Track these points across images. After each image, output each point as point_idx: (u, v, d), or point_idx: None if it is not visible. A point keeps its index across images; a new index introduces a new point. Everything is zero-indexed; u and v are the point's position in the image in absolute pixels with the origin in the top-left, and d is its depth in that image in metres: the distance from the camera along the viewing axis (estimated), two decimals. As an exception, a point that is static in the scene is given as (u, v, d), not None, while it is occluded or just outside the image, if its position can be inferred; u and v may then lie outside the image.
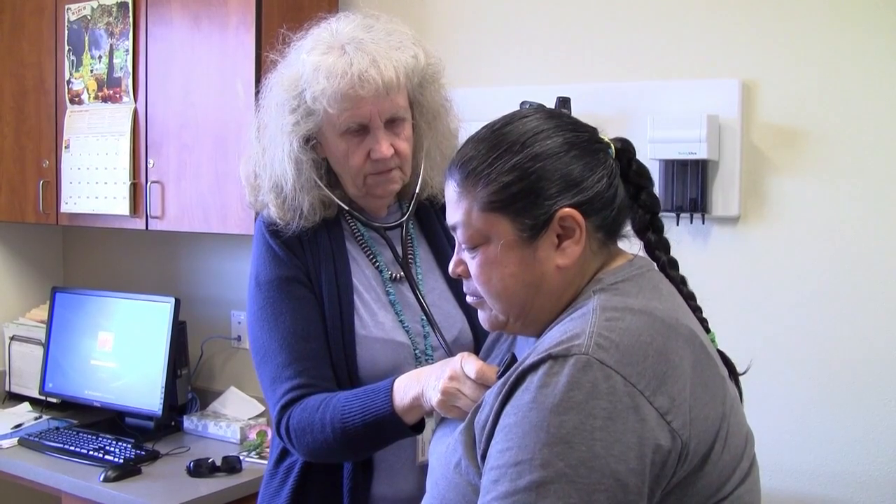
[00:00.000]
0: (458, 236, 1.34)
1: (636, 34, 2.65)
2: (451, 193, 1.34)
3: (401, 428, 1.63)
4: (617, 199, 1.34)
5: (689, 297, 1.39)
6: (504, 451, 1.17)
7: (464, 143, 1.36)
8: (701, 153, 2.44)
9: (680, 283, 1.40)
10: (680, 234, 2.47)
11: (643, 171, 1.40)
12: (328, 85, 1.70)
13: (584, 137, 1.33)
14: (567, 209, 1.28)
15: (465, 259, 1.35)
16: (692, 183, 2.49)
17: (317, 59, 1.73)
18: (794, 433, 2.42)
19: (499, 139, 1.31)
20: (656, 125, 2.48)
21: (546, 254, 1.29)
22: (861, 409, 2.38)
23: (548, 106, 1.46)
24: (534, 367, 1.19)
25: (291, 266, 1.80)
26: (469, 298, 1.40)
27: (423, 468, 1.60)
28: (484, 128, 1.35)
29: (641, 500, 1.14)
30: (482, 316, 1.39)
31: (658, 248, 1.41)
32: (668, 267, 1.40)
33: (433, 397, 1.53)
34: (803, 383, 2.43)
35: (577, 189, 1.29)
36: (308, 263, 1.81)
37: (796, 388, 2.44)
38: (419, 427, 1.66)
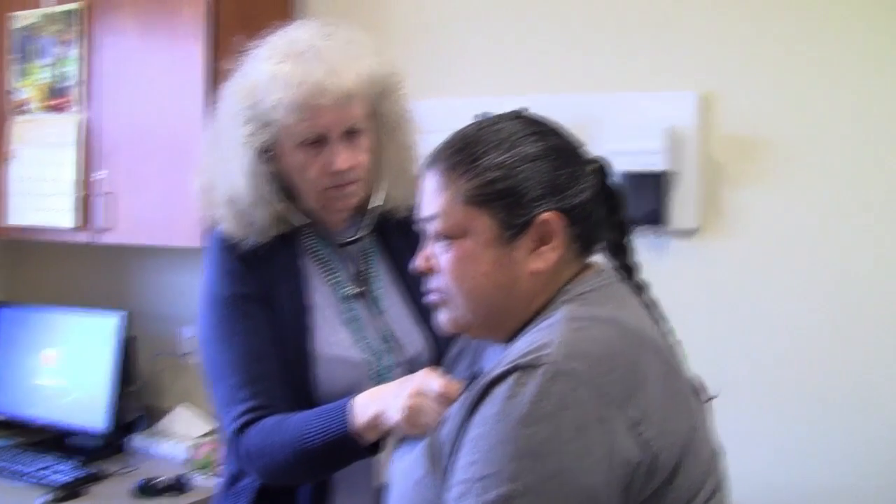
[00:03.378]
0: (434, 227, 1.31)
1: (593, 45, 2.64)
2: (432, 183, 1.31)
3: (360, 448, 1.58)
4: (596, 213, 1.32)
5: (658, 317, 1.37)
6: (470, 464, 1.14)
7: (451, 135, 1.33)
8: (659, 165, 2.43)
9: (650, 306, 1.37)
10: (638, 247, 2.45)
11: (618, 193, 1.38)
12: (285, 94, 1.65)
13: (571, 147, 1.32)
14: (549, 214, 1.26)
15: (437, 253, 1.32)
16: (650, 195, 2.47)
17: (273, 67, 1.68)
18: (758, 446, 2.40)
19: (489, 135, 1.29)
20: (614, 137, 2.47)
21: (522, 257, 1.27)
22: (827, 421, 2.37)
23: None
24: (500, 378, 1.16)
25: (246, 283, 1.75)
26: (432, 296, 1.35)
27: (381, 490, 1.56)
28: (473, 123, 1.33)
29: None
30: (443, 317, 1.35)
31: (628, 271, 1.40)
32: (639, 291, 1.38)
33: (396, 414, 1.48)
34: (765, 399, 2.42)
35: (560, 195, 1.27)
36: (263, 281, 1.75)
37: (758, 404, 2.42)
38: (375, 448, 1.61)
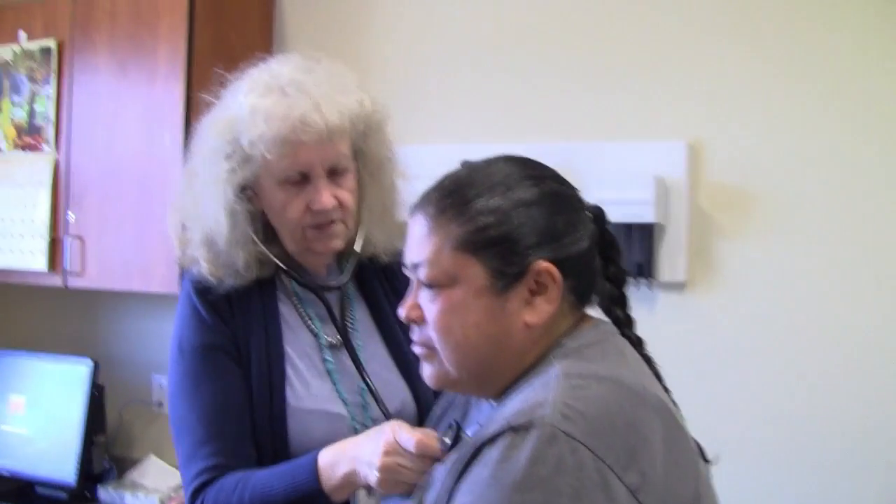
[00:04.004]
0: (421, 275, 1.22)
1: (581, 94, 2.59)
2: (420, 228, 1.22)
3: None
4: (593, 263, 1.25)
5: (655, 373, 1.29)
6: None
7: (441, 178, 1.25)
8: (648, 216, 2.36)
9: (649, 361, 1.29)
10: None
11: (614, 243, 1.30)
12: (267, 129, 1.57)
13: (568, 192, 1.24)
14: (545, 263, 1.17)
15: (423, 303, 1.23)
16: (638, 247, 2.41)
17: (255, 101, 1.60)
18: (747, 501, 2.33)
19: (481, 178, 1.21)
20: (602, 186, 2.39)
21: (516, 308, 1.18)
22: (820, 479, 2.31)
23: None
24: (492, 439, 1.07)
25: (217, 333, 1.66)
26: (417, 349, 1.26)
27: None
28: (464, 165, 1.25)
29: None
30: (428, 371, 1.26)
31: (624, 325, 1.30)
32: (635, 345, 1.30)
33: (370, 476, 1.39)
34: (758, 459, 2.34)
35: (557, 244, 1.19)
36: (237, 328, 1.66)
37: (749, 462, 2.34)
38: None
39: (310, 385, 1.67)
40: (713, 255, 2.42)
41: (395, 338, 1.76)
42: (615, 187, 2.37)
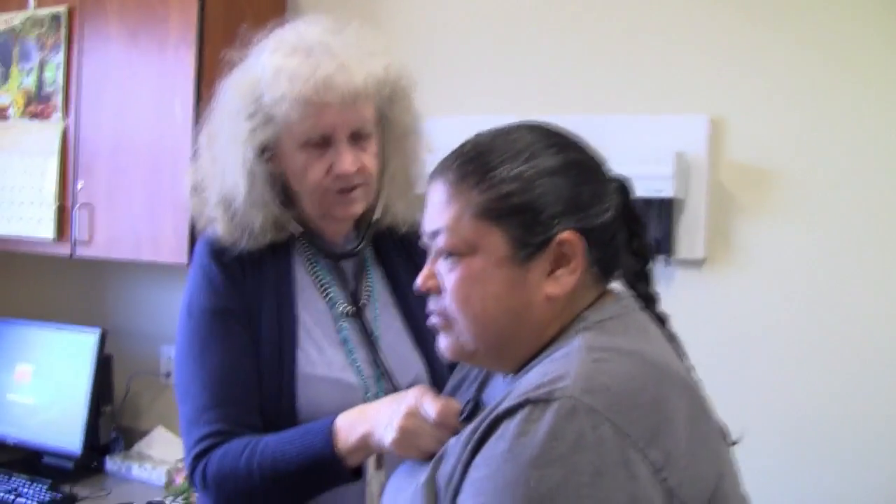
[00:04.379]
0: (439, 242, 1.17)
1: (602, 66, 2.55)
2: (439, 194, 1.18)
3: (342, 472, 1.46)
4: (618, 236, 1.20)
5: (682, 351, 1.25)
6: None
7: (461, 144, 1.20)
8: (668, 191, 2.32)
9: (673, 339, 1.25)
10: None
11: (639, 217, 1.26)
12: (290, 89, 1.54)
13: (593, 162, 1.20)
14: (569, 234, 1.13)
15: (440, 272, 1.19)
16: (656, 223, 2.36)
17: (279, 60, 1.57)
18: (765, 486, 2.29)
19: (505, 144, 1.17)
20: (622, 161, 2.33)
21: (537, 279, 1.14)
22: (837, 461, 2.27)
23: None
24: (510, 412, 1.03)
25: (228, 297, 1.63)
26: (433, 319, 1.23)
27: None
28: (486, 132, 1.20)
29: None
30: (445, 342, 1.22)
31: (648, 301, 1.26)
32: (660, 322, 1.26)
33: (388, 436, 1.36)
34: (774, 436, 2.31)
35: (582, 214, 1.14)
36: (249, 293, 1.63)
37: (767, 441, 2.32)
38: (359, 472, 1.49)
39: (324, 352, 1.65)
40: (733, 232, 2.38)
41: (412, 310, 1.73)
42: (634, 161, 2.32)
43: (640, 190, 2.28)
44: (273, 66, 1.58)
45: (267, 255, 1.66)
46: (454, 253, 1.16)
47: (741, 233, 2.37)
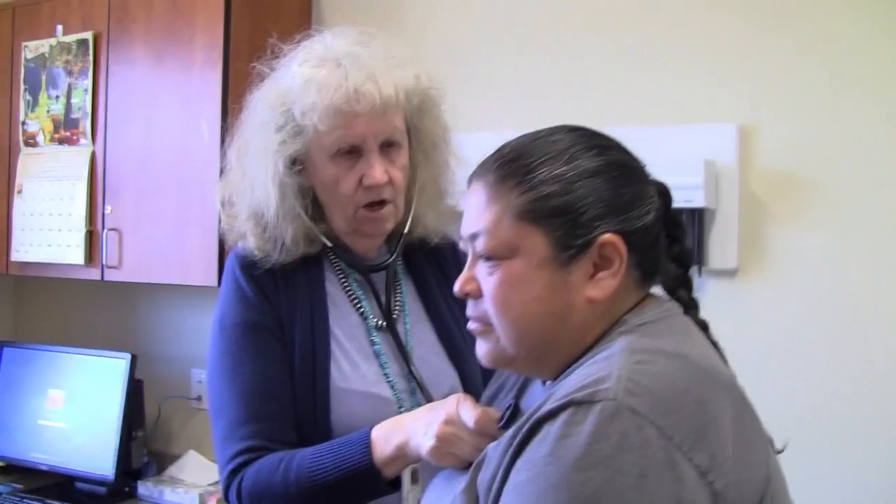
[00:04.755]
0: (478, 246, 1.16)
1: (631, 78, 2.53)
2: (478, 197, 1.16)
3: (379, 484, 1.45)
4: (659, 240, 1.19)
5: (724, 357, 1.22)
6: None
7: (499, 146, 1.19)
8: (698, 201, 2.29)
9: (715, 345, 1.23)
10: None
11: (679, 222, 1.24)
12: (319, 99, 1.54)
13: (634, 164, 1.19)
14: (611, 236, 1.11)
15: (479, 276, 1.17)
16: (688, 233, 2.33)
17: (308, 71, 1.57)
18: (801, 496, 2.25)
19: (545, 146, 1.15)
20: (651, 171, 2.33)
21: (578, 282, 1.12)
22: (871, 472, 2.23)
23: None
24: (552, 414, 1.01)
25: (261, 311, 1.62)
26: (472, 325, 1.21)
27: None
28: (525, 134, 1.19)
29: None
30: (484, 349, 1.20)
31: (689, 307, 1.24)
32: (702, 329, 1.23)
33: (425, 444, 1.34)
34: (810, 448, 2.27)
35: (623, 216, 1.13)
36: (281, 307, 1.62)
37: (802, 453, 2.27)
38: (396, 483, 1.48)
39: (358, 366, 1.63)
40: (765, 242, 2.35)
41: (445, 322, 1.72)
42: (664, 171, 2.26)
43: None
44: (302, 77, 1.57)
45: (299, 268, 1.65)
46: (494, 256, 1.14)
47: (774, 241, 2.34)
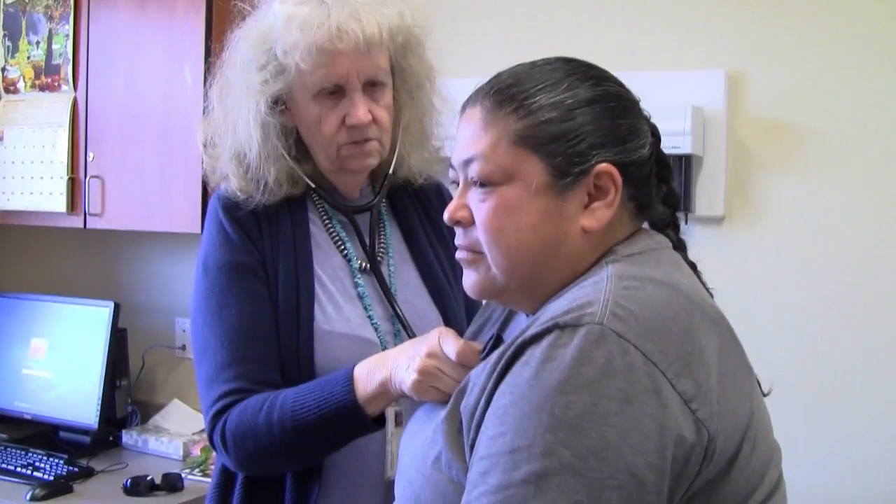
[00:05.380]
0: (473, 171, 1.14)
1: (619, 22, 2.50)
2: (473, 122, 1.14)
3: (363, 421, 1.44)
4: (652, 177, 1.18)
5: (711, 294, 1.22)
6: (497, 436, 0.98)
7: (495, 74, 1.17)
8: (685, 147, 2.28)
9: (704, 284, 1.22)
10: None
11: (667, 163, 1.23)
12: (302, 37, 1.51)
13: (630, 97, 1.18)
14: (608, 165, 1.10)
15: (471, 203, 1.15)
16: (675, 180, 2.32)
17: (291, 9, 1.54)
18: (784, 444, 2.26)
19: (543, 74, 1.14)
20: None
21: (573, 211, 1.11)
22: (857, 416, 2.24)
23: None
24: (536, 338, 1.00)
25: (244, 252, 1.60)
26: (461, 254, 1.19)
27: (392, 485, 1.42)
28: (520, 63, 1.17)
29: (660, 502, 0.95)
30: (472, 278, 1.18)
31: (677, 248, 1.24)
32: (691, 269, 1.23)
33: (407, 378, 1.34)
34: (794, 394, 2.27)
35: (620, 147, 1.12)
36: (265, 248, 1.61)
37: (787, 399, 2.28)
38: (381, 421, 1.48)
39: (341, 309, 1.62)
40: (752, 189, 2.34)
41: (429, 264, 1.72)
42: (652, 117, 2.29)
43: (657, 146, 2.26)
44: (285, 15, 1.55)
45: (282, 210, 1.64)
46: (488, 182, 1.12)
47: (761, 189, 2.33)
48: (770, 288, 2.33)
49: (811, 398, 2.27)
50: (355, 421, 1.44)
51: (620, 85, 1.18)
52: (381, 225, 1.72)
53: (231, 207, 1.62)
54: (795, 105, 2.29)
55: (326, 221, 1.68)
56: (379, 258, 1.69)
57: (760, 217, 2.34)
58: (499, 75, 1.17)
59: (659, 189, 1.22)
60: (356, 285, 1.65)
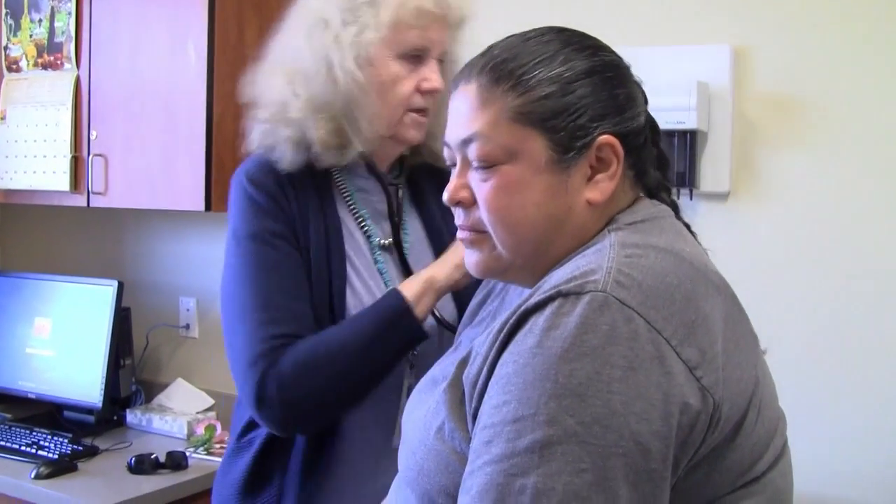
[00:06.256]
0: (472, 152, 1.12)
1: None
2: (468, 100, 1.13)
3: (414, 323, 1.54)
4: (648, 142, 1.18)
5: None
6: (500, 405, 0.97)
7: (487, 48, 1.16)
8: (690, 123, 2.26)
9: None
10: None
11: (656, 126, 1.23)
12: None
13: (625, 65, 1.17)
14: (609, 137, 1.10)
15: (472, 183, 1.14)
16: (679, 155, 2.31)
17: None
18: (790, 416, 2.25)
19: (538, 47, 1.13)
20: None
21: (577, 184, 1.10)
22: (864, 396, 2.22)
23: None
24: (539, 306, 0.99)
25: (275, 218, 1.60)
26: (462, 234, 1.18)
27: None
28: (515, 35, 1.16)
29: (665, 470, 0.95)
30: (476, 258, 1.18)
31: (674, 210, 1.23)
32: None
33: (451, 271, 1.56)
34: (798, 372, 2.27)
35: (619, 117, 1.11)
36: (294, 217, 1.61)
37: (791, 377, 2.27)
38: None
39: (368, 286, 1.65)
40: (758, 164, 2.32)
41: (443, 242, 1.74)
42: (656, 92, 2.24)
43: (662, 122, 2.21)
44: None
45: (308, 183, 1.64)
46: (489, 161, 1.11)
47: (767, 165, 2.31)
48: (776, 263, 2.31)
49: (819, 373, 2.26)
50: (407, 324, 1.53)
51: (613, 52, 1.17)
52: (401, 203, 1.75)
53: (257, 178, 1.63)
54: (801, 80, 2.27)
55: (348, 197, 1.69)
56: (397, 235, 1.71)
57: (766, 193, 2.32)
58: (491, 49, 1.15)
59: (650, 153, 1.22)
60: (375, 261, 1.68)
